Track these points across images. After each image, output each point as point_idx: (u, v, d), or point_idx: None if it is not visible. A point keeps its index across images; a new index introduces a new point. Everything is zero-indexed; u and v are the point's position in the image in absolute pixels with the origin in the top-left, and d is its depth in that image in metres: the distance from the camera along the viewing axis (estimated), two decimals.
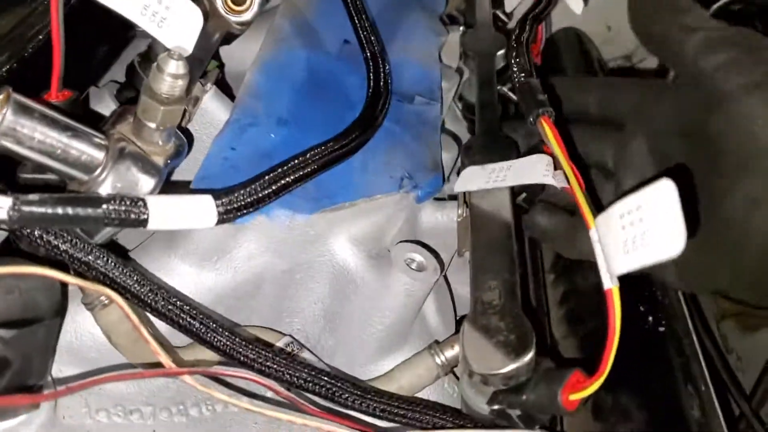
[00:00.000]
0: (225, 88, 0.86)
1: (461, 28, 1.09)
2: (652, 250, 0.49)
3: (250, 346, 0.58)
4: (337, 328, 0.72)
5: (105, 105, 0.79)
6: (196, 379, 0.53)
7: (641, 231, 0.50)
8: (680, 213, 0.48)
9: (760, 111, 0.55)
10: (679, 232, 0.47)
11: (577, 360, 0.81)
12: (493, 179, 0.75)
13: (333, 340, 0.72)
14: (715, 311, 1.73)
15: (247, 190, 0.57)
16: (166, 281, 0.65)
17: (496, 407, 0.62)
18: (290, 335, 0.71)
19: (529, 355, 0.60)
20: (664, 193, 0.48)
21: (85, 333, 0.63)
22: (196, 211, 0.52)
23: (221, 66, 0.85)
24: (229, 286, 0.68)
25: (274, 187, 0.59)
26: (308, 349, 0.71)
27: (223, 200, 0.54)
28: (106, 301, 0.59)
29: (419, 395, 0.70)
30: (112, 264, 0.54)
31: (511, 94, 1.07)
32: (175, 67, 0.55)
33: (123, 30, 0.83)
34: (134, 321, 0.50)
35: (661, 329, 0.82)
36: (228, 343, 0.57)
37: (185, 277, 0.66)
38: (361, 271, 0.70)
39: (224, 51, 0.91)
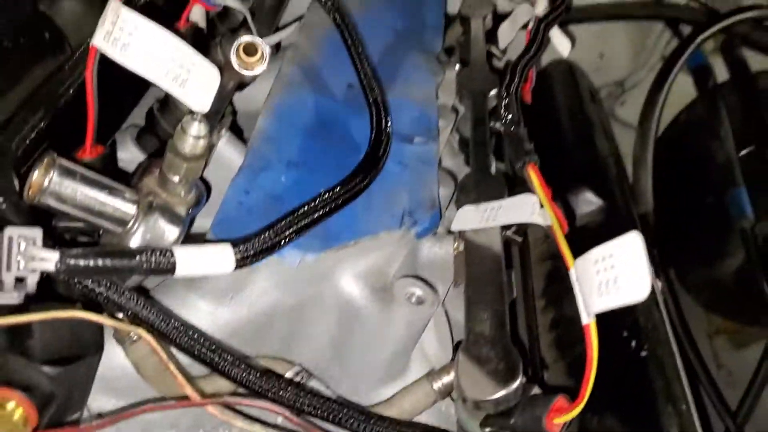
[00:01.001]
0: (236, 129, 0.93)
1: (457, 65, 1.16)
2: (621, 294, 0.56)
3: (264, 377, 0.64)
4: (343, 358, 0.78)
5: (126, 148, 0.86)
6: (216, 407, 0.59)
7: (613, 276, 0.57)
8: (646, 263, 0.54)
9: None
10: (644, 281, 0.54)
11: (564, 386, 0.87)
12: (486, 218, 0.81)
13: (339, 369, 0.78)
14: (707, 328, 1.79)
15: (262, 237, 0.63)
16: (187, 317, 0.71)
17: (487, 430, 0.68)
18: (300, 364, 0.77)
19: (517, 383, 0.66)
20: (632, 245, 0.55)
21: (115, 365, 0.69)
22: (217, 259, 0.59)
23: (234, 113, 0.92)
24: (243, 320, 0.74)
25: (286, 233, 0.65)
26: (316, 377, 0.77)
27: (240, 248, 0.61)
28: (135, 338, 0.65)
29: (418, 418, 0.75)
30: (142, 304, 0.60)
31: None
32: (197, 129, 0.61)
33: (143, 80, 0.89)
34: (162, 357, 0.56)
35: (644, 354, 0.87)
36: (244, 375, 0.63)
37: (204, 312, 0.72)
38: (366, 305, 0.76)
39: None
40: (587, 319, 0.61)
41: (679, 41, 1.59)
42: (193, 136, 0.61)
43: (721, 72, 1.57)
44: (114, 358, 0.69)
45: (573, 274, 0.63)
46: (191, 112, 0.62)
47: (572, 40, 1.11)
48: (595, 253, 0.59)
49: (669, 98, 1.54)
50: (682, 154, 1.57)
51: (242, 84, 0.86)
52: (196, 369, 0.72)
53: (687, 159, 1.54)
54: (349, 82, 0.96)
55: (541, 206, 0.79)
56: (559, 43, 1.07)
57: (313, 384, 0.75)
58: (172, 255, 0.56)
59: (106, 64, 0.75)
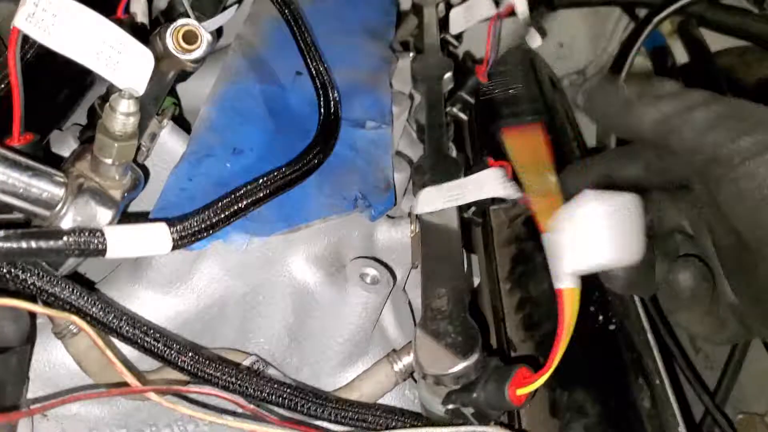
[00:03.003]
0: (183, 124, 0.90)
1: (411, 54, 1.15)
2: (591, 255, 0.55)
3: (213, 364, 0.61)
4: (300, 344, 0.75)
5: (68, 147, 0.83)
6: (166, 399, 0.57)
7: (579, 238, 0.56)
8: (605, 226, 0.53)
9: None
10: (605, 245, 0.53)
11: (531, 360, 0.85)
12: (451, 198, 0.79)
13: (298, 356, 0.76)
14: None
15: (201, 216, 0.60)
16: (133, 310, 0.69)
17: (450, 406, 0.66)
18: (256, 354, 0.75)
19: (476, 355, 0.64)
20: (589, 209, 0.54)
21: (57, 362, 0.66)
22: (152, 239, 0.56)
23: (178, 103, 0.90)
24: (193, 311, 0.71)
25: (226, 213, 0.63)
26: (274, 367, 0.74)
27: (177, 227, 0.58)
28: (75, 330, 0.62)
29: (381, 402, 0.73)
30: (78, 293, 0.57)
31: (461, 114, 1.13)
32: (126, 106, 0.59)
33: (82, 76, 0.87)
34: (99, 344, 0.54)
35: (612, 327, 0.86)
36: (191, 362, 0.60)
37: (151, 304, 0.70)
38: (320, 289, 0.73)
39: (181, 88, 0.95)
40: (563, 284, 0.60)
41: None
42: (122, 114, 0.59)
43: (680, 54, 1.56)
44: (54, 354, 0.66)
45: (546, 238, 0.61)
46: (120, 91, 0.59)
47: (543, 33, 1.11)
48: (561, 215, 0.57)
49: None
50: None
51: (184, 73, 0.84)
52: (147, 365, 0.70)
53: None
54: (297, 70, 0.94)
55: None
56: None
57: (271, 372, 0.72)
58: (103, 235, 0.53)
59: (43, 61, 0.73)
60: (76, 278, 0.68)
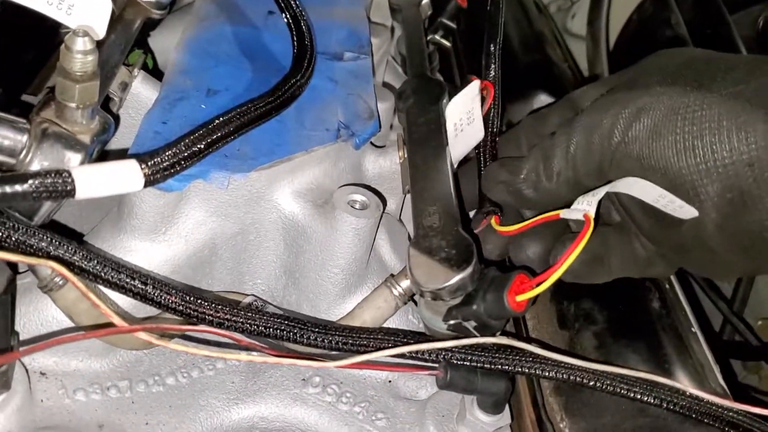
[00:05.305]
0: (159, 78, 0.88)
1: None
2: None
3: (205, 303, 0.59)
4: (297, 281, 0.74)
5: None
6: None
7: None
8: None
9: None
10: None
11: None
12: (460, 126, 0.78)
13: (296, 293, 0.74)
14: None
15: (173, 150, 0.58)
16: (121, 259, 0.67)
17: (452, 322, 0.65)
18: (253, 294, 0.73)
19: (471, 266, 0.62)
20: None
21: (49, 319, 0.65)
22: (123, 176, 0.54)
23: (152, 57, 0.87)
24: (183, 256, 0.70)
25: (199, 146, 0.60)
26: (273, 305, 0.73)
27: (149, 162, 0.56)
28: (61, 282, 0.61)
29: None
30: (57, 242, 0.55)
31: (444, 41, 1.10)
32: (82, 43, 0.56)
33: (50, 35, 0.84)
34: (80, 287, 0.52)
35: None
36: (181, 302, 0.58)
37: (138, 252, 0.68)
38: (310, 221, 0.72)
39: (156, 44, 0.93)
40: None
41: None
42: (79, 52, 0.56)
43: None
44: (45, 311, 0.65)
45: None
46: (73, 30, 0.57)
47: None
48: None
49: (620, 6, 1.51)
50: (638, 51, 1.52)
51: (152, 21, 0.81)
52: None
53: (643, 54, 1.49)
54: (269, 10, 0.92)
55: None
56: None
57: (271, 310, 0.71)
58: (70, 175, 0.51)
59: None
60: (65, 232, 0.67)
